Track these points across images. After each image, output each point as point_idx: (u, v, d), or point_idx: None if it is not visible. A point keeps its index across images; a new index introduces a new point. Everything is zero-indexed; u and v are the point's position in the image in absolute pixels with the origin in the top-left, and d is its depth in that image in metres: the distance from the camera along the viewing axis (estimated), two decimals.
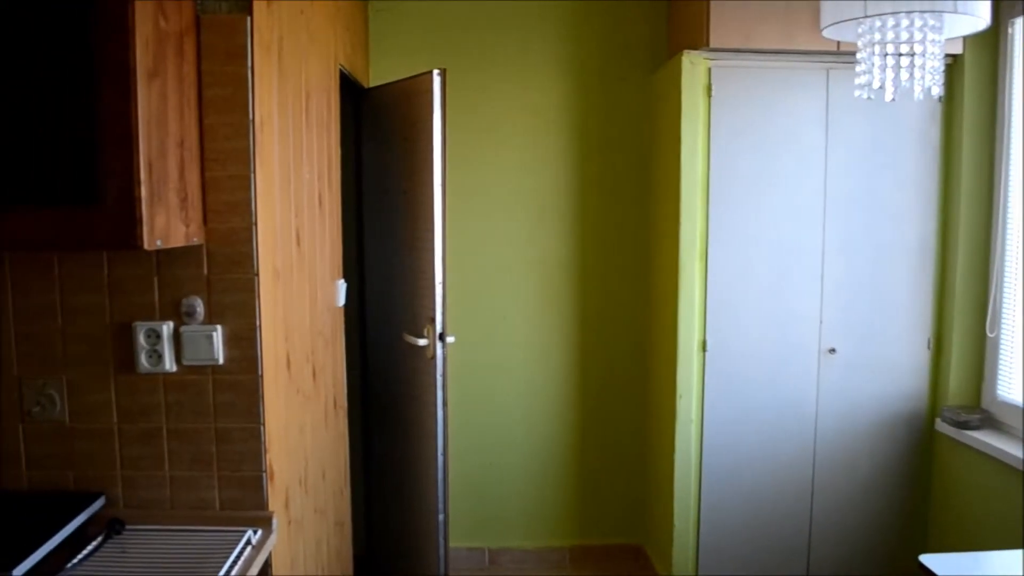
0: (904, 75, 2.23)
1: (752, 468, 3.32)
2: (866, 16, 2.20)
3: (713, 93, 3.16)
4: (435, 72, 2.90)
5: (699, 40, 3.12)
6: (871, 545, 3.39)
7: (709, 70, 3.17)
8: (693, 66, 3.16)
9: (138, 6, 1.50)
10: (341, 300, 2.88)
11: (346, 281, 2.99)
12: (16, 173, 1.83)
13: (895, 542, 3.40)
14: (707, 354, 3.25)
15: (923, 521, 3.39)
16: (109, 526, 1.84)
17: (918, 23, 2.18)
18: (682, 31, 3.39)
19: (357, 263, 3.61)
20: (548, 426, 3.83)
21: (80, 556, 1.71)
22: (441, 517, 3.11)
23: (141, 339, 1.87)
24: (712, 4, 3.04)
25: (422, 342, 3.03)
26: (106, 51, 1.50)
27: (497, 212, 3.72)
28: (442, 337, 2.99)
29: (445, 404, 3.03)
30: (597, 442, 3.85)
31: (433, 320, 2.98)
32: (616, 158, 3.72)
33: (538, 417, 3.83)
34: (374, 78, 3.60)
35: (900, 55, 2.24)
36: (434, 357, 3.00)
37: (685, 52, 3.16)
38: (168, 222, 1.63)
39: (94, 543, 1.78)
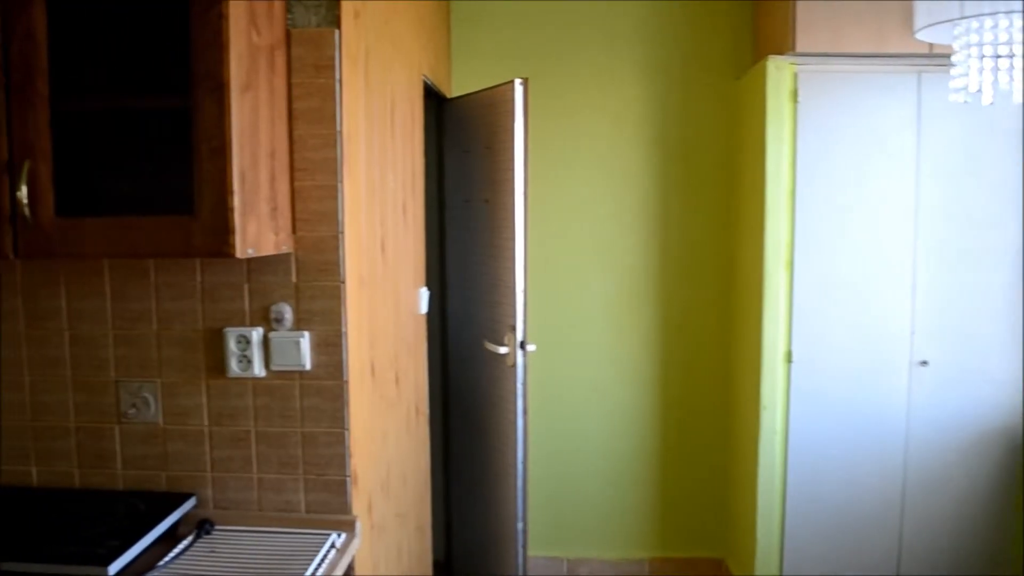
0: (1004, 78, 2.15)
1: (839, 483, 3.23)
2: (963, 17, 2.12)
3: (799, 98, 3.10)
4: (517, 82, 2.92)
5: (785, 45, 3.07)
6: (965, 565, 3.26)
7: (795, 75, 3.11)
8: (778, 71, 3.11)
9: (232, 22, 1.55)
10: (423, 307, 2.91)
11: (428, 289, 3.02)
12: (123, 186, 1.91)
13: (990, 562, 3.27)
14: (792, 365, 3.18)
15: (1021, 541, 3.25)
16: (199, 526, 1.89)
17: (1017, 23, 2.10)
18: (767, 36, 3.34)
19: (439, 271, 3.65)
20: (627, 435, 3.80)
21: (172, 554, 1.77)
22: (520, 525, 3.11)
23: (232, 344, 1.92)
24: (798, 7, 2.98)
25: (503, 350, 3.04)
26: (202, 66, 1.55)
27: (578, 220, 3.72)
28: (523, 345, 3.00)
29: (525, 412, 3.04)
30: (678, 453, 3.80)
31: (514, 328, 2.99)
32: (698, 165, 3.68)
33: (617, 426, 3.80)
34: (456, 88, 3.64)
35: (998, 57, 2.16)
36: (514, 365, 3.01)
37: (770, 57, 3.11)
38: (259, 231, 1.67)
39: (185, 542, 1.83)
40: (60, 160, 1.67)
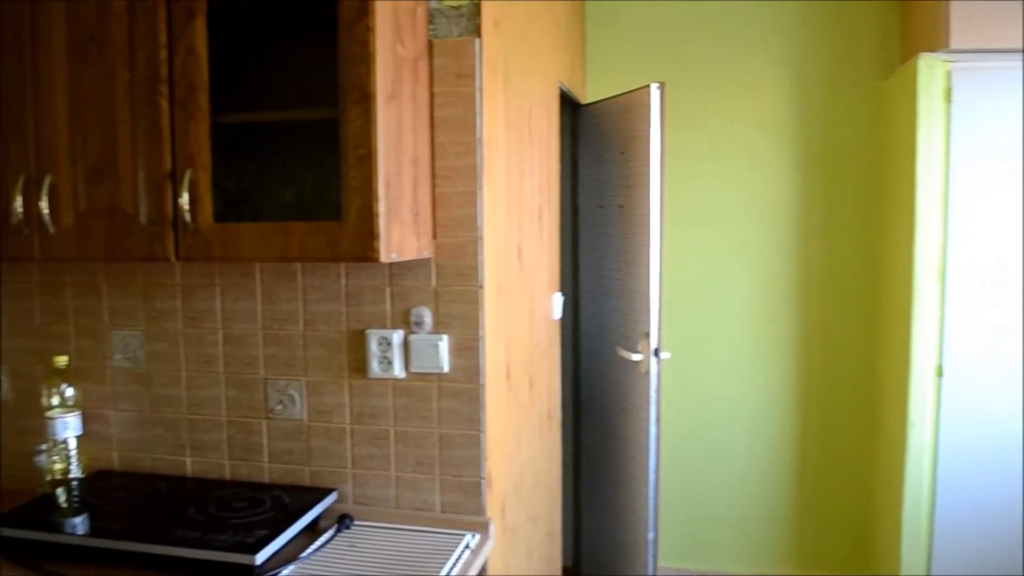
0: None
1: (994, 508, 3.04)
2: None
3: (953, 98, 2.94)
4: (654, 86, 2.89)
5: (937, 42, 2.91)
6: None
7: (948, 73, 2.95)
8: (930, 69, 2.96)
9: (379, 35, 1.60)
10: (558, 313, 2.92)
11: (562, 294, 3.03)
12: (275, 193, 2.01)
13: None
14: (943, 379, 3.02)
15: None
16: (340, 520, 1.95)
17: None
18: (917, 33, 3.18)
19: (572, 276, 3.65)
20: (763, 447, 3.70)
21: (314, 546, 1.83)
22: (651, 535, 3.07)
23: (374, 346, 1.98)
24: (952, 3, 2.83)
25: (636, 357, 3.01)
26: (350, 77, 1.60)
27: (714, 227, 3.65)
28: (657, 353, 2.96)
29: (658, 420, 3.00)
30: (816, 467, 3.67)
31: (648, 335, 2.96)
32: (842, 169, 3.55)
33: (753, 437, 3.70)
34: (590, 93, 3.64)
35: None
36: (648, 372, 2.97)
37: (921, 55, 2.96)
38: (402, 236, 1.72)
39: (326, 535, 1.89)
40: (218, 169, 1.77)
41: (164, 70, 1.70)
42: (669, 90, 3.22)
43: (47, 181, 1.80)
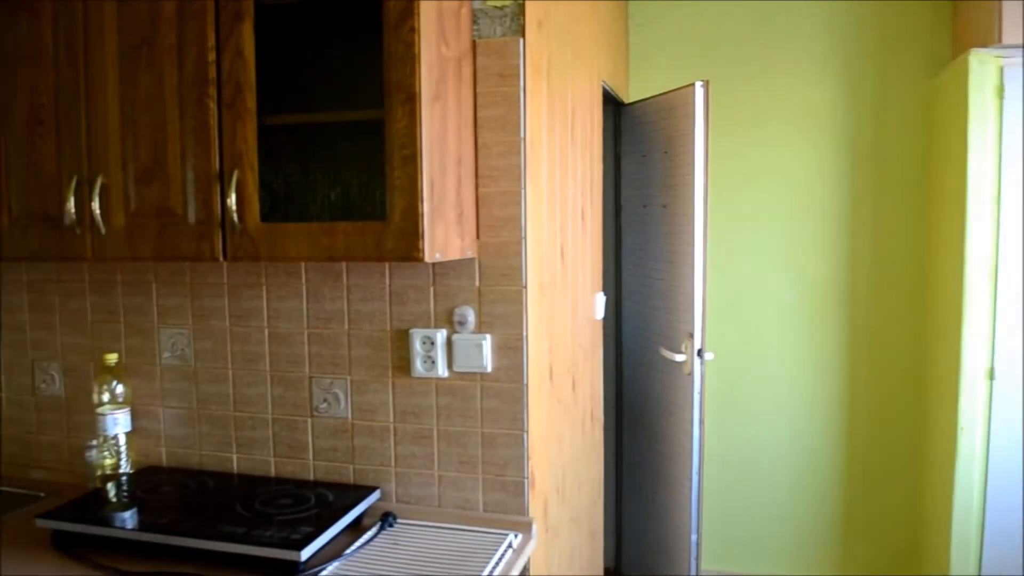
0: None
1: None
2: None
3: (1005, 94, 2.88)
4: (698, 84, 2.87)
5: (989, 37, 2.85)
6: None
7: (1001, 69, 2.88)
8: (982, 65, 2.89)
9: (423, 36, 1.61)
10: (600, 313, 2.91)
11: (604, 294, 3.02)
12: (320, 193, 2.03)
13: None
14: (995, 383, 2.95)
15: None
16: (383, 518, 1.96)
17: None
18: (968, 28, 3.12)
19: (615, 276, 3.64)
20: (808, 450, 3.65)
21: (358, 544, 1.85)
22: (694, 538, 3.05)
23: (417, 345, 1.99)
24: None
25: (679, 358, 2.99)
26: (395, 78, 1.61)
27: (759, 227, 3.61)
28: (700, 353, 2.94)
29: (702, 422, 2.98)
30: (863, 471, 3.61)
31: (692, 335, 2.94)
32: (890, 168, 3.49)
33: (798, 440, 3.65)
34: (633, 92, 3.62)
35: None
36: (691, 373, 2.95)
37: (972, 51, 2.90)
38: (446, 236, 1.72)
39: (370, 533, 1.91)
40: (264, 169, 1.79)
41: (212, 72, 1.73)
42: (714, 88, 3.19)
43: (99, 182, 1.84)
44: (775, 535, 3.72)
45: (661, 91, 3.19)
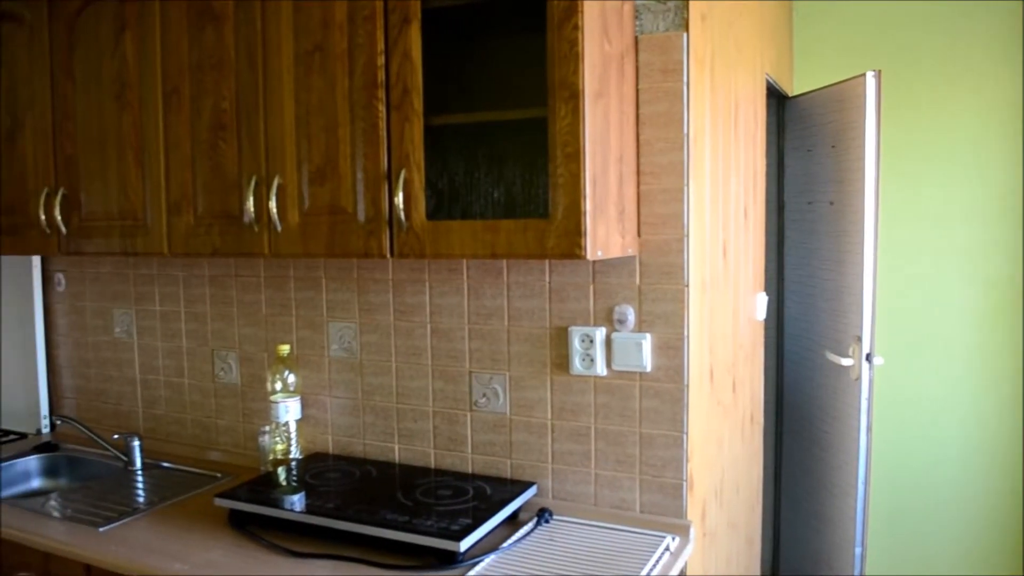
0: None
1: None
2: None
3: None
4: (869, 74, 2.73)
5: None
6: None
7: None
8: None
9: (587, 33, 1.60)
10: (762, 313, 2.83)
11: (766, 294, 2.93)
12: (482, 191, 2.06)
13: None
14: None
15: None
16: (539, 514, 1.98)
17: None
18: None
19: (777, 275, 3.52)
20: (985, 463, 3.41)
21: (514, 538, 1.87)
22: (859, 550, 2.91)
23: (576, 343, 1.99)
24: None
25: (846, 362, 2.86)
26: (558, 76, 1.61)
27: (934, 225, 3.40)
28: (870, 358, 2.80)
29: (870, 429, 2.84)
30: None
31: (860, 339, 2.81)
32: None
33: (970, 451, 3.42)
34: (798, 85, 3.49)
35: None
36: (859, 378, 2.82)
37: None
38: (607, 234, 1.71)
39: (526, 528, 1.92)
40: (430, 169, 1.83)
41: (381, 76, 1.79)
42: (884, 79, 3.03)
43: (276, 182, 1.94)
44: (945, 551, 3.50)
45: (828, 83, 3.06)
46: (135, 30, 2.14)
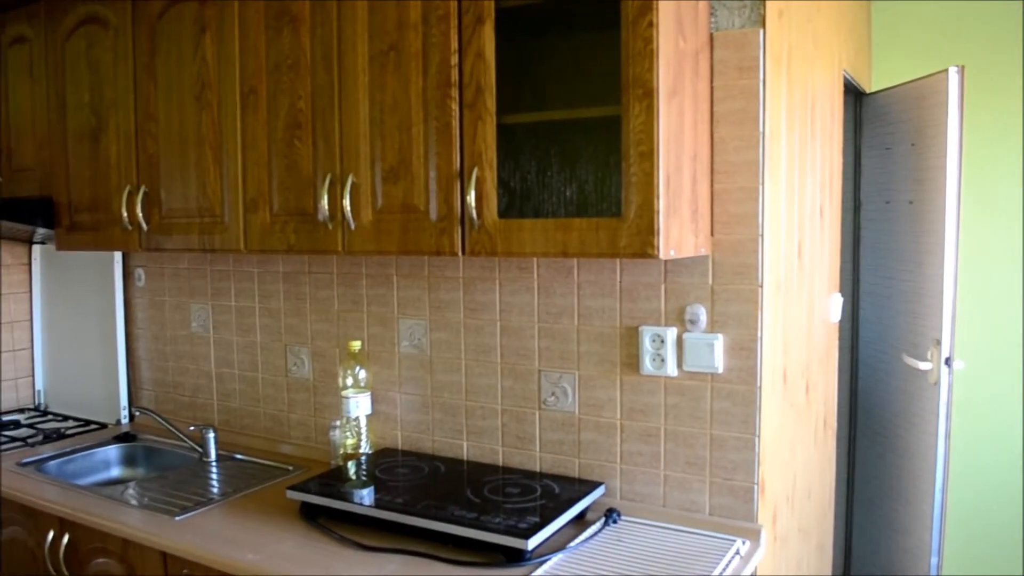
0: None
1: None
2: None
3: None
4: (952, 70, 2.65)
5: None
6: None
7: None
8: None
9: (662, 30, 1.59)
10: (836, 315, 2.77)
11: (841, 295, 2.86)
12: (554, 190, 2.06)
13: None
14: None
15: None
16: (607, 514, 1.97)
17: None
18: None
19: (852, 276, 3.44)
20: None
21: (581, 538, 1.86)
22: (935, 560, 2.83)
23: (647, 343, 1.98)
24: None
25: (924, 366, 2.78)
26: (632, 73, 1.60)
27: (1013, 223, 3.28)
28: (949, 362, 2.72)
29: (948, 435, 2.76)
30: None
31: (939, 343, 2.73)
32: None
33: None
34: (876, 81, 3.41)
35: None
36: (938, 383, 2.74)
37: None
38: (680, 233, 1.69)
39: (593, 528, 1.92)
40: (502, 167, 1.84)
41: (454, 75, 1.80)
42: (967, 75, 2.93)
43: (350, 181, 1.96)
44: (1021, 560, 3.39)
45: (908, 79, 2.98)
46: (215, 32, 2.19)
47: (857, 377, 3.47)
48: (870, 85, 3.41)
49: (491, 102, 1.76)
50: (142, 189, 2.40)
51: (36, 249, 3.27)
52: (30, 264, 3.27)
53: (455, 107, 1.80)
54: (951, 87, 2.66)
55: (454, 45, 1.80)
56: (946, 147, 2.67)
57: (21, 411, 3.21)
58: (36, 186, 2.72)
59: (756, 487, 1.90)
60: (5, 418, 3.09)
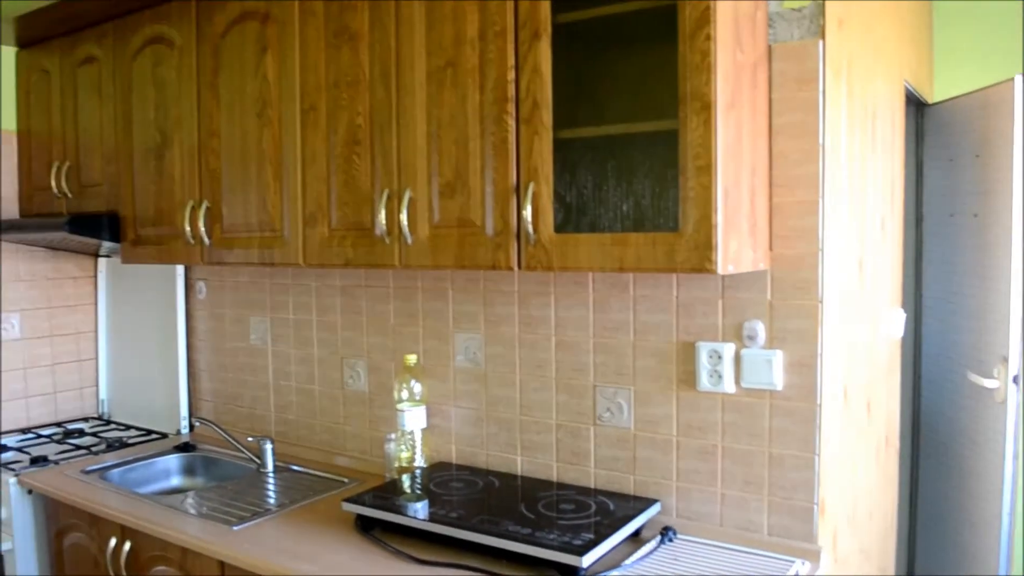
0: None
1: None
2: None
3: None
4: (1019, 78, 2.58)
5: None
6: None
7: None
8: None
9: (720, 43, 1.58)
10: (899, 331, 2.71)
11: (903, 311, 2.80)
12: (610, 204, 2.05)
13: None
14: None
15: None
16: (663, 532, 1.95)
17: None
18: None
19: (915, 291, 3.37)
20: None
21: (637, 555, 1.84)
22: None
23: (704, 359, 1.95)
24: None
25: (991, 384, 2.70)
26: (690, 86, 1.59)
27: None
28: (1017, 379, 2.64)
29: (1016, 457, 2.67)
30: None
31: (1006, 360, 2.65)
32: None
33: None
34: (939, 91, 3.33)
35: None
36: (1005, 402, 2.66)
37: None
38: (738, 248, 1.67)
39: (649, 545, 1.90)
40: (558, 182, 1.84)
41: (511, 90, 1.81)
42: None
43: (407, 196, 1.98)
44: None
45: (972, 89, 2.91)
46: (275, 50, 2.24)
47: (920, 395, 3.39)
48: (932, 95, 3.34)
49: (547, 117, 1.76)
50: (204, 204, 2.45)
51: (102, 262, 3.36)
52: (96, 277, 3.37)
53: (511, 122, 1.81)
54: (1018, 96, 2.59)
55: (511, 61, 1.81)
56: (1012, 158, 2.60)
57: (85, 420, 3.30)
58: (103, 201, 2.80)
59: (816, 507, 1.86)
60: (70, 426, 3.18)
